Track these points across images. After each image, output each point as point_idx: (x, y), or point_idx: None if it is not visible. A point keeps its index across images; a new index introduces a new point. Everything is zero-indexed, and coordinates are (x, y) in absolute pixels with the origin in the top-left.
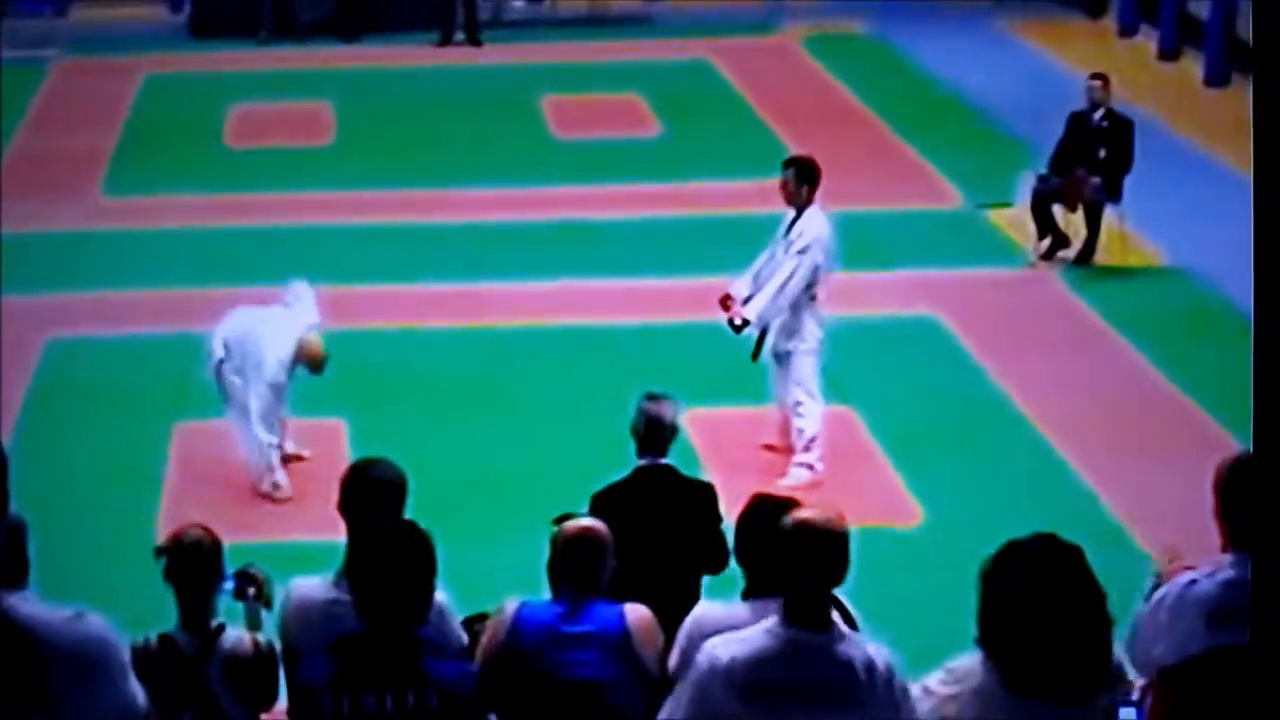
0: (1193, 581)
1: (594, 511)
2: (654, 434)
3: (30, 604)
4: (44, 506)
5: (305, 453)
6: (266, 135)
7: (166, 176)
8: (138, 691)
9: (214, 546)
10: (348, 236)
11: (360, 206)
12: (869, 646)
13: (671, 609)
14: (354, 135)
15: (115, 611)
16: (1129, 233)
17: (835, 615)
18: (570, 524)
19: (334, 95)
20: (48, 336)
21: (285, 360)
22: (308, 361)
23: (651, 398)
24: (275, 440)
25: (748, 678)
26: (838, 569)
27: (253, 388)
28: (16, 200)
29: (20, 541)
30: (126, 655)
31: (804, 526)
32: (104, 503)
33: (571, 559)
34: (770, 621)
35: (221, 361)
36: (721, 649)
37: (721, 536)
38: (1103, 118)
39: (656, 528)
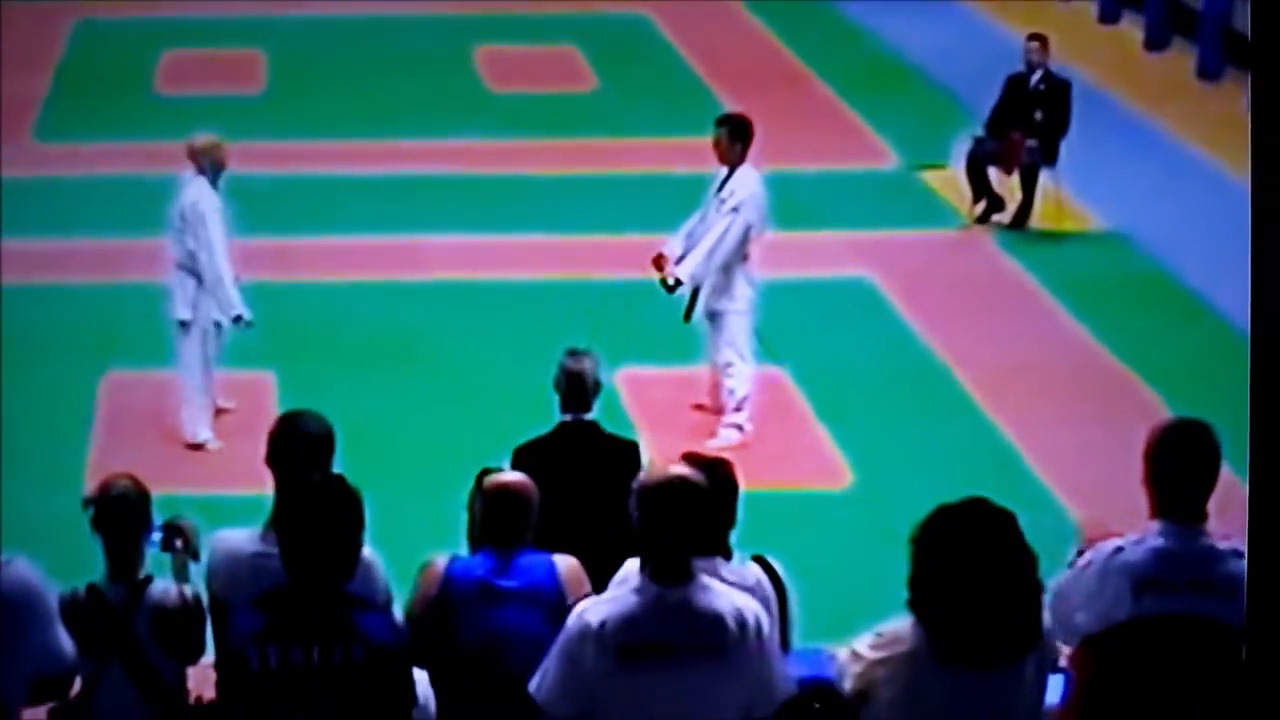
0: (1119, 549)
1: (515, 466)
2: (576, 390)
3: None
4: None
5: (230, 405)
6: (197, 82)
7: (97, 123)
8: (66, 641)
9: (141, 497)
10: (278, 186)
11: (291, 156)
12: (736, 597)
13: (595, 565)
14: (286, 84)
15: (43, 561)
16: (1064, 197)
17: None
18: (491, 479)
19: (266, 44)
20: None
21: None
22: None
23: (573, 354)
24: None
25: (618, 637)
26: (693, 524)
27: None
28: None
29: None
30: (54, 604)
31: (656, 485)
32: (31, 453)
33: (493, 513)
34: (636, 580)
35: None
36: (591, 612)
37: None
38: (1040, 80)
39: (578, 484)
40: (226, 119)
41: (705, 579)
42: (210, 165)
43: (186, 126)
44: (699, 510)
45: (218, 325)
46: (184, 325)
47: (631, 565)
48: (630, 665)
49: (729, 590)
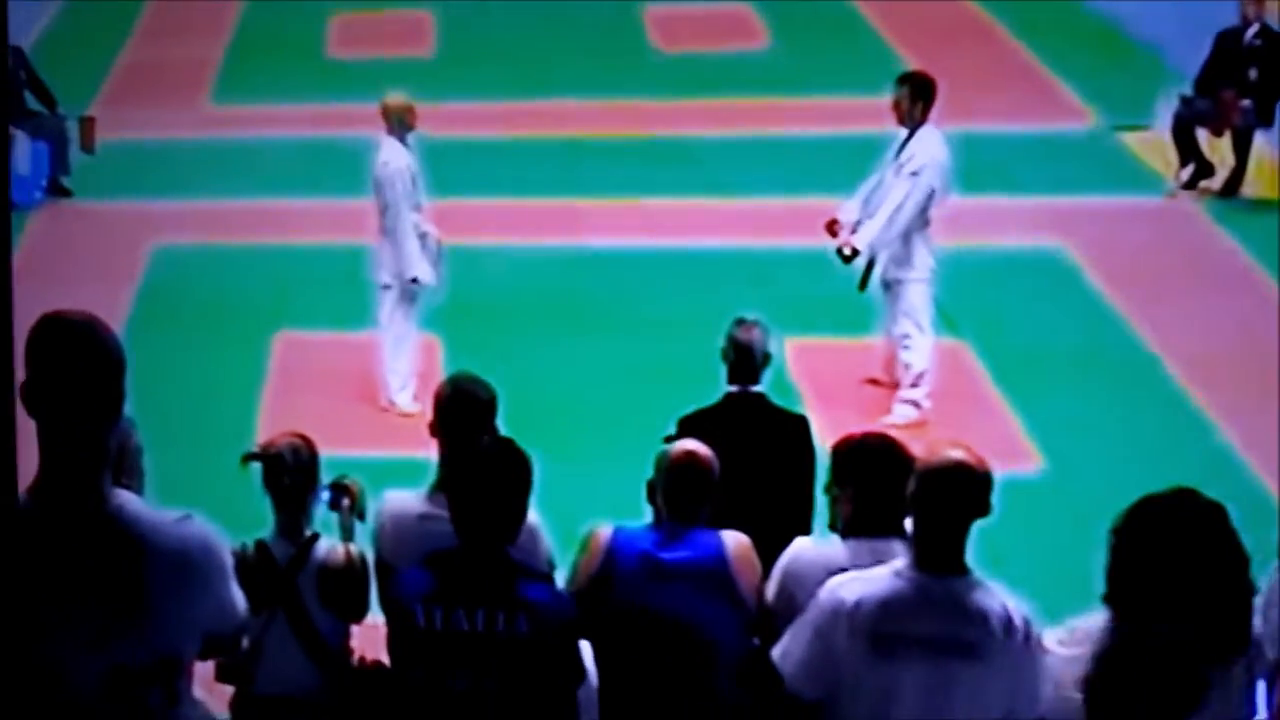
0: None
1: (680, 435)
2: (744, 361)
3: (139, 506)
4: (146, 412)
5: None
6: (367, 45)
7: (270, 85)
8: (239, 598)
9: (310, 455)
10: (447, 149)
11: (460, 119)
12: (1007, 597)
13: (760, 541)
14: (455, 46)
15: (214, 517)
16: None
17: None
18: (676, 446)
19: (435, 5)
20: (155, 243)
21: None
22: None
23: (741, 323)
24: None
25: (873, 622)
26: (977, 513)
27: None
28: (127, 108)
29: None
30: (230, 561)
31: (953, 466)
32: (205, 410)
33: (675, 483)
34: (900, 563)
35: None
36: (847, 589)
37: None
38: (1256, 35)
39: (744, 457)
40: (396, 81)
41: (977, 574)
42: (399, 125)
43: (358, 89)
44: (980, 499)
45: (410, 289)
46: (385, 288)
47: (801, 543)
48: (883, 653)
49: (1001, 589)
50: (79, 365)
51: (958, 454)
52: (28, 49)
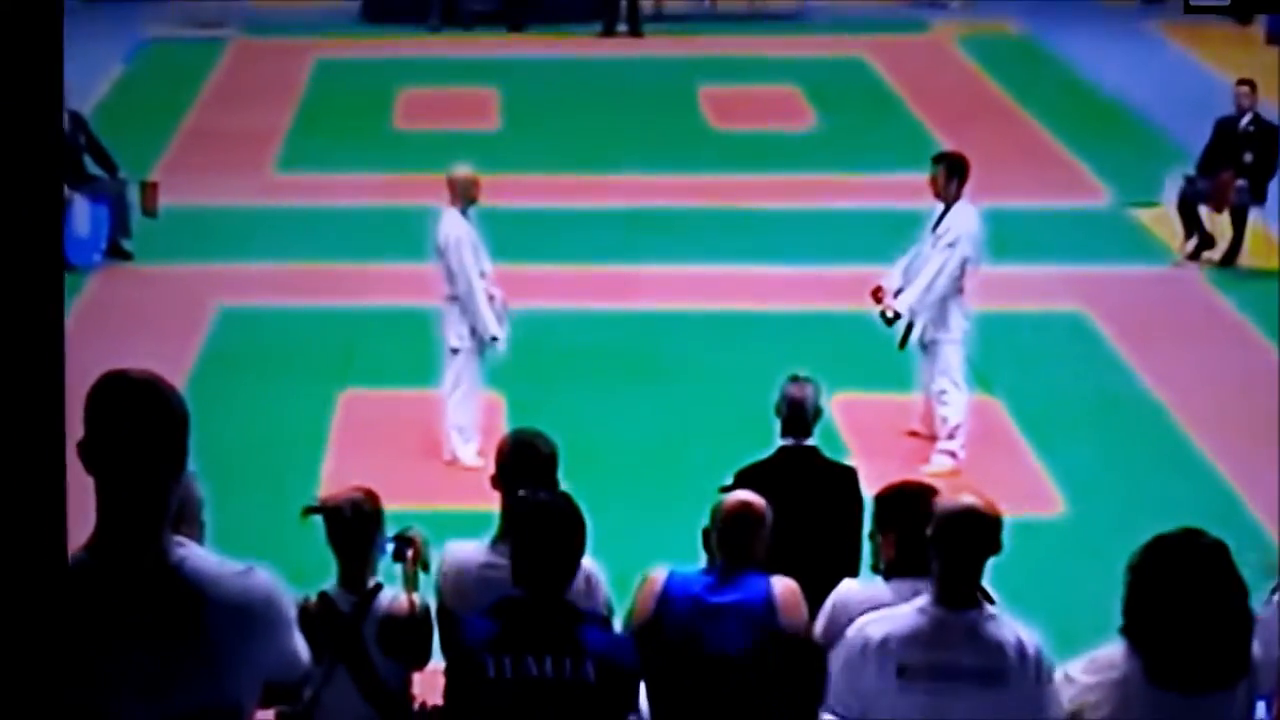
0: None
1: (737, 487)
2: (796, 415)
3: (201, 558)
4: (210, 468)
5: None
6: (434, 118)
7: (337, 155)
8: (302, 648)
9: (373, 509)
10: (510, 218)
11: (523, 189)
12: (1020, 628)
13: (812, 587)
14: (518, 120)
15: (278, 570)
16: (1273, 235)
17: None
18: (731, 496)
19: (500, 82)
20: (220, 304)
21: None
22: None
23: (794, 380)
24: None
25: (900, 655)
26: (990, 551)
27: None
28: (193, 173)
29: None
30: (293, 612)
31: (966, 511)
32: (269, 465)
33: (729, 530)
34: (922, 600)
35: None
36: (873, 626)
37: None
38: (1249, 123)
39: (797, 508)
40: (462, 153)
41: (991, 608)
42: (463, 197)
43: (423, 160)
44: (992, 539)
45: (480, 348)
46: (454, 351)
47: (848, 583)
48: (910, 683)
49: (1013, 620)
50: (140, 421)
51: (970, 500)
52: (88, 114)
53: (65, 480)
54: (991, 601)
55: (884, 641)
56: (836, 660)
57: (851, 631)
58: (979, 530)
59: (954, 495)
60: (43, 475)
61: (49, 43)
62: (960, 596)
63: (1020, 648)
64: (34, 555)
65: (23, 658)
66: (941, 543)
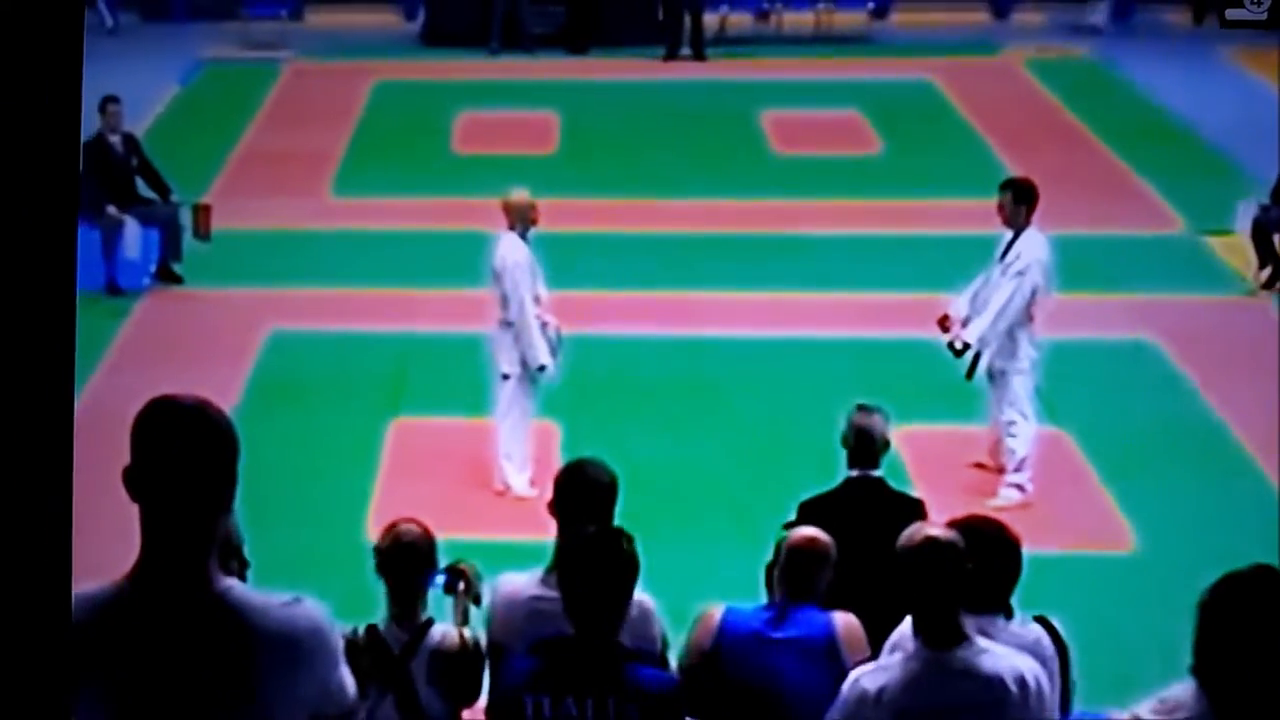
0: None
1: (801, 519)
2: (864, 446)
3: (246, 589)
4: (260, 495)
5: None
6: (493, 142)
7: (393, 179)
8: (349, 681)
9: (427, 542)
10: (569, 243)
11: (583, 214)
12: (1015, 658)
13: (877, 623)
14: (578, 144)
15: (327, 602)
16: None
17: (974, 631)
18: (796, 531)
19: (560, 105)
20: (272, 328)
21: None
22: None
23: (862, 409)
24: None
25: (896, 703)
26: (952, 583)
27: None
28: (247, 197)
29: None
30: (340, 643)
31: (926, 544)
32: (318, 494)
33: (794, 565)
34: (909, 647)
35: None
36: (868, 679)
37: None
38: None
39: (864, 540)
40: (521, 178)
41: (981, 641)
42: (521, 221)
43: (482, 184)
44: (955, 569)
45: (532, 376)
46: (505, 377)
47: (904, 628)
48: None
49: (1007, 651)
50: (188, 448)
51: (930, 530)
52: (142, 136)
53: (70, 517)
54: (1062, 642)
55: (879, 693)
56: (833, 715)
57: (846, 686)
58: (943, 561)
59: (915, 528)
60: (48, 510)
61: (68, 68)
62: (943, 635)
63: (1019, 676)
64: (35, 588)
65: (21, 696)
66: (907, 581)
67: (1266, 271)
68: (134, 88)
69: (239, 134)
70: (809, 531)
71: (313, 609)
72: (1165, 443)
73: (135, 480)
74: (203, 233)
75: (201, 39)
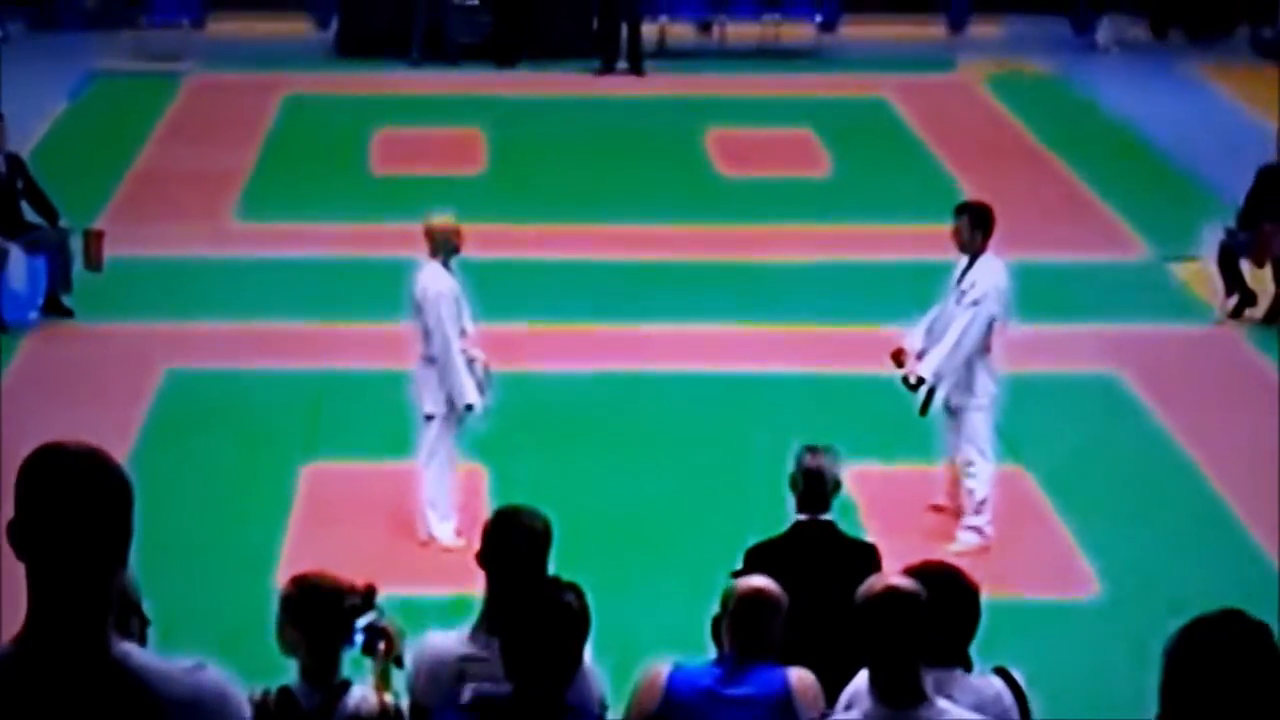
0: None
1: (748, 567)
2: (813, 489)
3: (146, 654)
4: (158, 547)
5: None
6: (414, 162)
7: (305, 201)
8: None
9: (343, 595)
10: (497, 271)
11: (512, 240)
12: (973, 717)
13: (831, 674)
14: (507, 165)
15: (234, 660)
16: None
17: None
18: (744, 582)
19: (487, 122)
20: (168, 366)
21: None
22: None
23: (811, 450)
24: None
25: None
26: (914, 638)
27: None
28: (143, 222)
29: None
30: (247, 710)
31: (887, 594)
32: (224, 546)
33: (743, 619)
34: (865, 705)
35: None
36: None
37: None
38: None
39: (814, 588)
40: (444, 200)
41: (940, 702)
42: (444, 248)
43: (402, 207)
44: (919, 623)
45: (458, 417)
46: (429, 418)
47: (859, 682)
48: None
49: (964, 712)
50: (79, 500)
51: (893, 580)
52: (27, 156)
53: None
54: (1021, 692)
55: None
56: None
57: None
58: (905, 615)
59: (876, 578)
60: None
61: None
62: (902, 692)
63: None
64: None
65: None
66: (867, 634)
67: (1233, 300)
68: (19, 103)
69: (134, 153)
70: (757, 581)
71: (217, 674)
72: (1130, 482)
73: (20, 535)
74: (94, 261)
75: (94, 50)
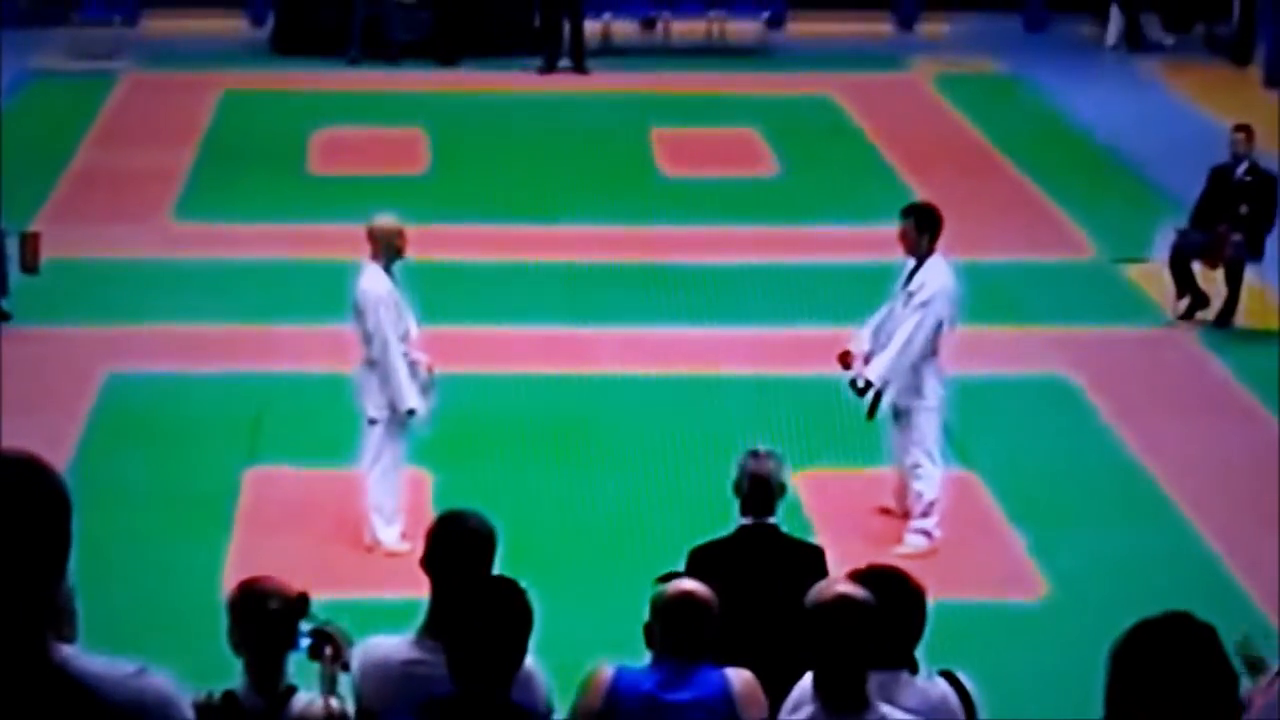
0: None
1: (691, 570)
2: (758, 492)
3: (88, 659)
4: (100, 554)
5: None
6: (354, 162)
7: (243, 202)
8: None
9: (288, 599)
10: (438, 273)
11: (454, 241)
12: None
13: (774, 677)
14: (449, 165)
15: (178, 665)
16: (1271, 293)
17: (878, 697)
18: (672, 585)
19: (428, 121)
20: (107, 370)
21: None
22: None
23: (755, 454)
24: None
25: None
26: (863, 646)
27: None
28: (80, 223)
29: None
30: (190, 715)
31: (838, 601)
32: (166, 553)
33: (673, 623)
34: (809, 709)
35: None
36: None
37: None
38: (1246, 172)
39: (758, 591)
40: (386, 202)
41: (883, 708)
42: (386, 250)
43: (341, 208)
44: (867, 631)
45: (401, 421)
46: (371, 422)
47: (805, 684)
48: None
49: (906, 716)
50: (15, 508)
51: (843, 588)
52: None
53: None
54: (969, 697)
55: None
56: None
57: None
58: (855, 621)
59: (826, 584)
60: None
61: None
62: (846, 698)
63: None
64: None
65: None
66: (816, 639)
67: (1185, 301)
68: None
69: (70, 153)
70: (684, 584)
71: (159, 679)
72: (1079, 485)
73: None
74: (30, 263)
75: (26, 48)
